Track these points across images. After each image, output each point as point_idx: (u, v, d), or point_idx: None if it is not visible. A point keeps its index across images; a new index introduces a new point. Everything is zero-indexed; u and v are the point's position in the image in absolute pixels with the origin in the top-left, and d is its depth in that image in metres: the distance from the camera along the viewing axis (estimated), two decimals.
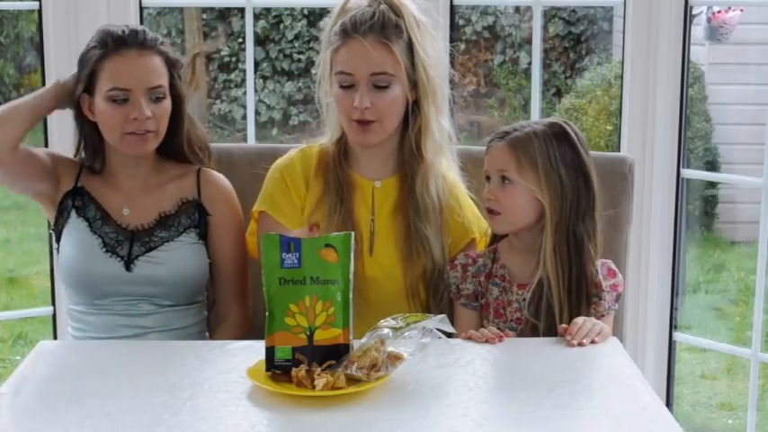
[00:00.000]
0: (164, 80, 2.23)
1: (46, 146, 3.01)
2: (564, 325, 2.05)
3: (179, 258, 2.24)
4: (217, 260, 2.30)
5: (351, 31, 2.19)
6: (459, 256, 2.24)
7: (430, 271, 2.25)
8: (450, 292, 2.23)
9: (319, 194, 2.28)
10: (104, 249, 2.23)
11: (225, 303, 2.33)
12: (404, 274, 2.25)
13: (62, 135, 2.88)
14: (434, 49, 2.25)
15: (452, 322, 2.15)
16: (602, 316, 2.14)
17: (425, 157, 2.25)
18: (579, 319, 2.05)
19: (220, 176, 2.35)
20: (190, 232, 2.27)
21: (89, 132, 2.28)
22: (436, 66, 2.25)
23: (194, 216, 2.28)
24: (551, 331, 2.10)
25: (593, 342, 2.00)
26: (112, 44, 2.19)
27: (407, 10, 2.21)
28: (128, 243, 2.24)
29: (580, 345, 1.99)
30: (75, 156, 2.33)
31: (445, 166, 2.32)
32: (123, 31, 2.21)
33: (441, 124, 2.27)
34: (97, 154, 2.30)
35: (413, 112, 2.24)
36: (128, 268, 2.22)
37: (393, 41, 2.18)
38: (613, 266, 2.20)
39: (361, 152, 2.29)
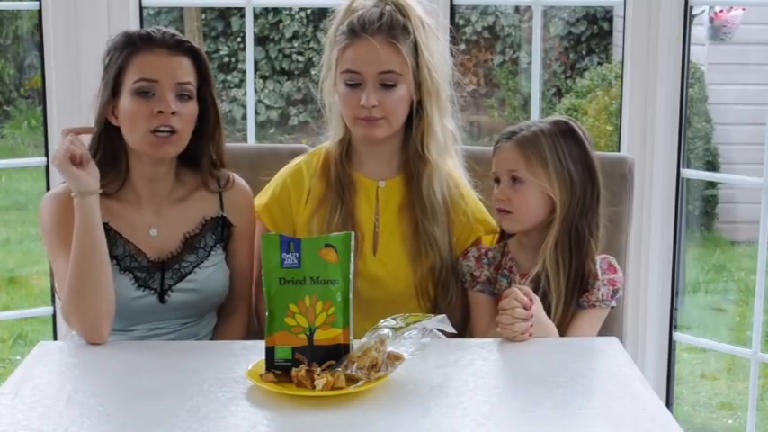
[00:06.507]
0: (191, 79, 2.14)
1: (46, 146, 3.02)
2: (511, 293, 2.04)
3: (210, 280, 2.20)
4: (232, 263, 2.26)
5: (359, 30, 2.19)
6: (471, 250, 2.25)
7: (438, 269, 2.26)
8: (464, 282, 2.24)
9: (321, 195, 2.28)
10: (136, 285, 2.15)
11: (231, 303, 2.28)
12: (413, 272, 2.25)
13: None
14: (438, 51, 2.26)
15: (467, 317, 2.19)
16: (594, 306, 2.15)
17: (430, 157, 2.25)
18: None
19: (241, 182, 2.29)
20: (216, 249, 2.22)
21: (108, 145, 2.16)
22: (440, 67, 2.25)
23: (218, 231, 2.23)
24: None
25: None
26: (141, 41, 2.12)
27: (414, 12, 2.22)
28: (158, 274, 2.16)
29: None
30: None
31: (450, 166, 2.31)
32: (154, 31, 2.14)
33: (444, 125, 2.27)
34: (114, 170, 2.17)
35: (417, 113, 2.25)
36: (162, 300, 2.17)
37: (401, 42, 2.18)
38: (614, 263, 2.21)
39: (364, 152, 2.29)
